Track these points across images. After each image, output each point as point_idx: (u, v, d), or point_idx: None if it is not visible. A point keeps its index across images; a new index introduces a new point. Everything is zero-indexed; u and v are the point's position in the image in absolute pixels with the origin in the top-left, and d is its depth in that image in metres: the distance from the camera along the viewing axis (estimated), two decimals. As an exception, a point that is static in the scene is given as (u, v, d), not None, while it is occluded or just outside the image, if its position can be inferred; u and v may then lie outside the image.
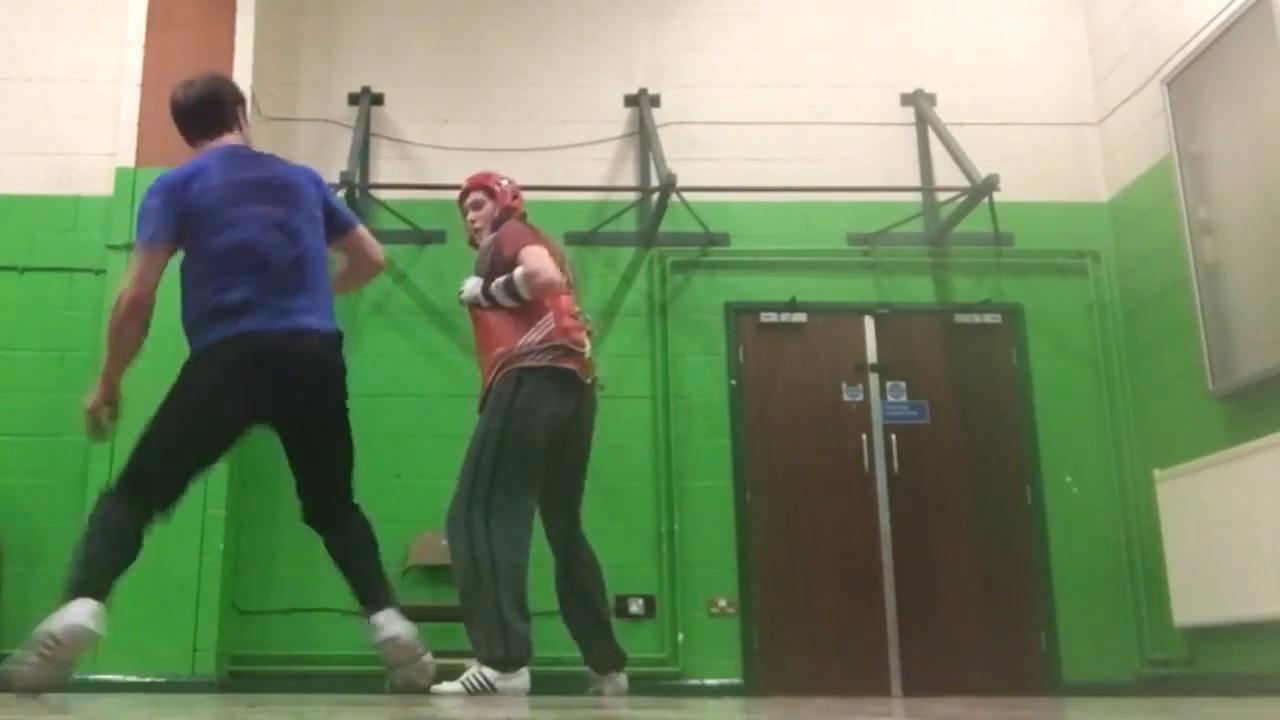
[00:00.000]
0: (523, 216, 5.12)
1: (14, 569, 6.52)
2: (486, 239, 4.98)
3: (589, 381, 4.88)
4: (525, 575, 4.62)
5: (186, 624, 6.27)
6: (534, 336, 4.74)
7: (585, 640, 4.97)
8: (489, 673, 4.52)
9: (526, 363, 4.71)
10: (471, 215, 5.10)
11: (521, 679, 4.56)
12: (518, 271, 4.70)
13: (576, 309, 4.94)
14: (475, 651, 4.60)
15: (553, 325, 4.76)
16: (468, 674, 4.56)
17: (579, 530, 5.03)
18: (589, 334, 4.92)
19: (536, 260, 4.68)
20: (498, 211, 5.06)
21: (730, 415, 7.07)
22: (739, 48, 7.70)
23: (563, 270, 4.89)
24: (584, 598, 4.96)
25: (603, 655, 4.96)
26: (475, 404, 6.87)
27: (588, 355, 4.85)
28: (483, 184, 5.12)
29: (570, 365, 4.76)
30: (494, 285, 4.77)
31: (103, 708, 3.24)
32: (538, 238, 4.89)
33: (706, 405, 7.09)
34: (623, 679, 4.98)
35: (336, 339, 4.02)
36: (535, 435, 4.68)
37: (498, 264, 4.80)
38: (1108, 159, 7.49)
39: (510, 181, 5.18)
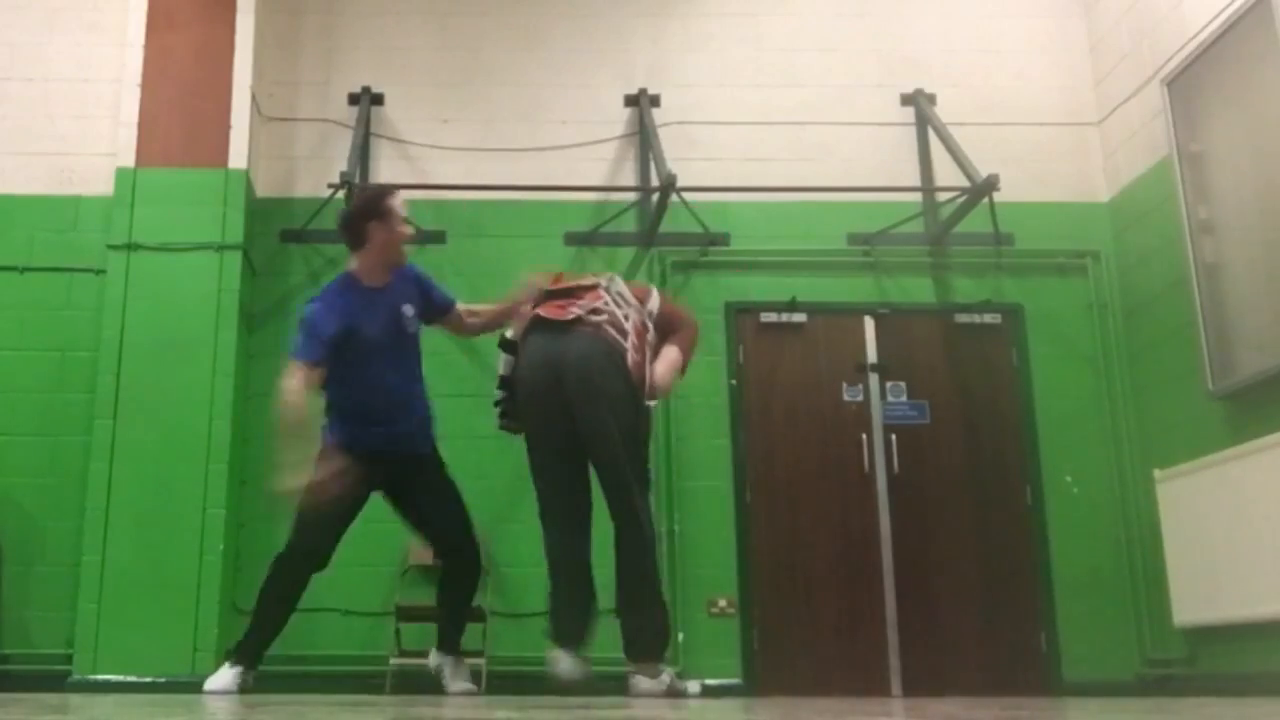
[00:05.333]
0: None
1: (14, 569, 6.53)
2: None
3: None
4: None
5: (186, 624, 6.27)
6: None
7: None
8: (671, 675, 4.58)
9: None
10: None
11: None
12: None
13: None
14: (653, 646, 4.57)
15: None
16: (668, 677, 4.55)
17: None
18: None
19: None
20: None
21: (730, 415, 7.06)
22: (739, 48, 7.69)
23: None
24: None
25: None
26: (473, 404, 6.93)
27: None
28: None
29: None
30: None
31: (103, 708, 3.23)
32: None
33: (706, 405, 7.07)
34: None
35: None
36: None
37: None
38: (1108, 159, 7.47)
39: None
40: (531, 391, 4.64)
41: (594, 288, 4.77)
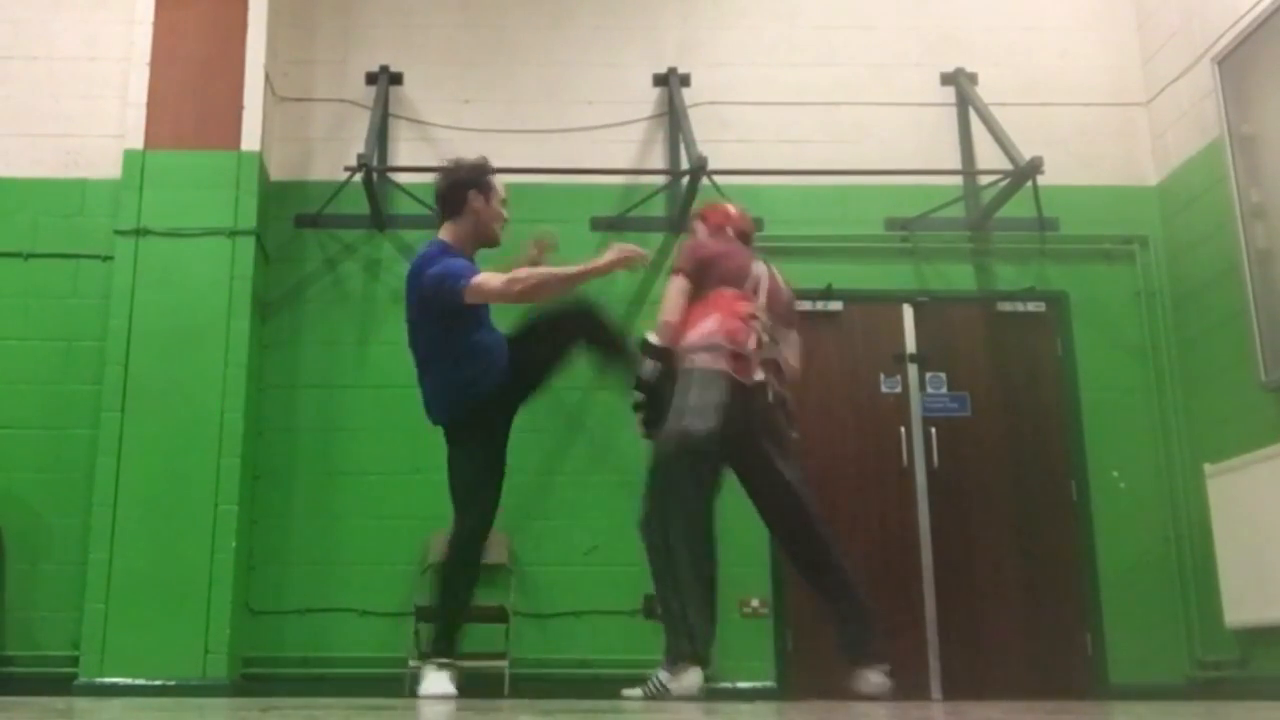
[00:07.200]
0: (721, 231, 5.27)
1: (18, 567, 6.47)
2: None
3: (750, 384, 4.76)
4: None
5: (198, 625, 6.22)
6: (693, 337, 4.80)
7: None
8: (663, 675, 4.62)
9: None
10: None
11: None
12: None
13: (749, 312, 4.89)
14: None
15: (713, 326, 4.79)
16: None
17: None
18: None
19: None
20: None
21: (763, 408, 6.93)
22: (772, 24, 7.61)
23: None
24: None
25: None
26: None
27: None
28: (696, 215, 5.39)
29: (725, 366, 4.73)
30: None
31: (110, 712, 3.23)
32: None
33: (738, 397, 6.96)
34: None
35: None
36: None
37: None
38: (1156, 140, 7.40)
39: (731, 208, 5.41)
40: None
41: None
